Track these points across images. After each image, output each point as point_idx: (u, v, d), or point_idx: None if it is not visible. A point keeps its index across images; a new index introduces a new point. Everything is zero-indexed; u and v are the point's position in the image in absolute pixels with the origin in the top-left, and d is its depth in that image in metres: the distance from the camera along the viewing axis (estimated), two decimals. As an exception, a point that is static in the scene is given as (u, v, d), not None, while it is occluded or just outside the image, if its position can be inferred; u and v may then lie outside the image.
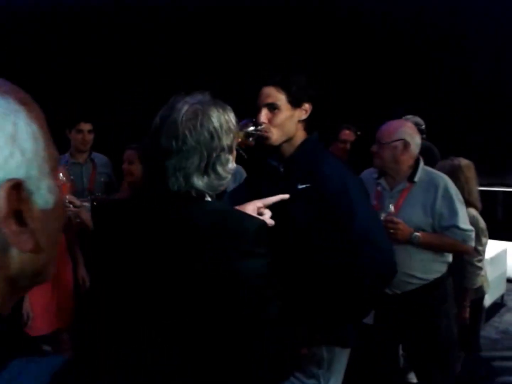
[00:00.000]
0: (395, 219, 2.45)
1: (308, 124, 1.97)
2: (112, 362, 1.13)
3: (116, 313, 1.17)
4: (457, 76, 7.29)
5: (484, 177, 6.83)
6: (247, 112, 1.95)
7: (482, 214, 3.23)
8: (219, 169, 1.21)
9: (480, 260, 3.10)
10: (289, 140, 1.93)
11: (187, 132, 1.17)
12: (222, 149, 1.21)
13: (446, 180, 2.61)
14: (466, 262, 3.05)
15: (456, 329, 2.72)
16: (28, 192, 0.57)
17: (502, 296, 5.50)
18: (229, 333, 1.13)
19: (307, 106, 1.92)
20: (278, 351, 1.25)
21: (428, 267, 2.57)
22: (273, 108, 1.87)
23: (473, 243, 2.61)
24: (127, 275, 1.17)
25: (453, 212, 2.53)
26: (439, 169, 3.25)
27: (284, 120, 1.88)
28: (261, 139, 1.90)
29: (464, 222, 2.56)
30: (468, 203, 3.07)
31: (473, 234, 2.59)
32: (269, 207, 2.01)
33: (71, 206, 2.51)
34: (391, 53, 7.34)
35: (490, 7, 6.73)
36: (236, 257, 1.13)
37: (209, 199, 1.26)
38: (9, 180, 0.55)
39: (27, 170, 0.57)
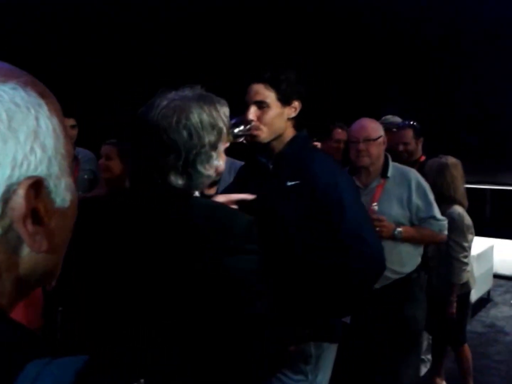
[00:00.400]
0: (380, 217, 2.52)
1: (297, 121, 1.95)
2: (106, 361, 1.14)
3: (105, 312, 1.16)
4: (450, 77, 7.36)
5: (473, 175, 6.93)
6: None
7: (470, 211, 3.30)
8: (199, 167, 1.16)
9: (466, 256, 3.18)
10: (278, 137, 1.90)
11: (162, 130, 1.13)
12: (203, 146, 1.16)
13: (415, 173, 2.70)
14: (452, 258, 3.13)
15: (424, 319, 2.82)
16: (47, 190, 0.54)
17: (488, 292, 5.62)
18: (221, 330, 1.13)
19: (296, 103, 1.89)
20: (269, 347, 1.26)
21: (406, 260, 2.65)
22: (262, 106, 1.84)
23: (446, 232, 2.72)
24: (115, 275, 1.15)
25: (429, 204, 2.63)
26: (428, 167, 3.35)
27: (274, 118, 1.85)
28: (250, 137, 1.88)
29: (438, 213, 2.66)
30: (454, 201, 3.18)
31: (446, 224, 2.71)
32: (258, 204, 2.04)
33: None
34: (384, 53, 7.39)
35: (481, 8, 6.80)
36: (225, 253, 1.12)
37: (197, 194, 1.24)
38: (29, 177, 0.52)
39: (47, 168, 0.54)
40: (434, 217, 2.63)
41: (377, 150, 2.63)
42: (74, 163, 3.49)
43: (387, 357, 2.71)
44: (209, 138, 1.17)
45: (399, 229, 2.56)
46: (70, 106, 3.82)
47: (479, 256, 5.15)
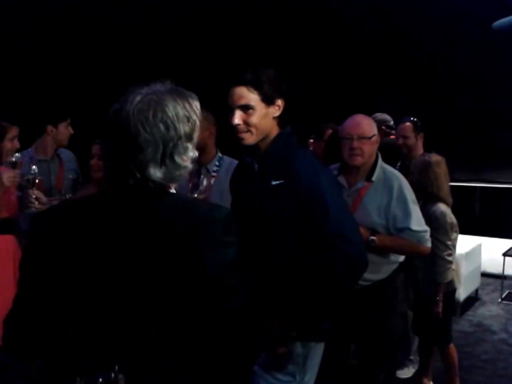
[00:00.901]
0: None
1: (281, 119, 1.95)
2: (104, 361, 1.13)
3: (96, 312, 1.16)
4: (442, 78, 7.37)
5: (463, 172, 6.94)
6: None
7: (459, 209, 3.28)
8: (177, 158, 1.19)
9: (450, 255, 3.13)
10: (264, 137, 1.91)
11: (139, 125, 1.15)
12: (179, 138, 1.19)
13: (400, 180, 2.57)
14: (437, 257, 3.08)
15: (401, 325, 2.75)
16: None
17: (476, 290, 5.60)
18: (200, 325, 1.14)
19: (279, 102, 1.90)
20: (250, 342, 1.26)
21: (378, 268, 2.53)
22: (247, 109, 1.85)
23: (429, 244, 2.57)
24: (103, 274, 1.16)
25: (407, 214, 2.50)
26: (412, 166, 3.31)
27: (260, 120, 1.86)
28: (238, 139, 1.89)
29: (417, 224, 2.51)
30: (438, 198, 3.15)
31: (427, 235, 2.56)
32: (248, 204, 1.99)
33: (36, 203, 2.35)
34: (380, 52, 7.38)
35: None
36: (205, 247, 1.13)
37: (173, 191, 1.26)
38: None
39: None
40: (410, 229, 2.49)
41: (371, 149, 2.53)
42: (58, 164, 3.54)
43: (358, 360, 2.67)
44: (184, 129, 1.20)
45: (373, 237, 2.43)
46: (68, 106, 3.75)
47: (467, 254, 5.13)
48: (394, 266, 2.64)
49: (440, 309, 3.13)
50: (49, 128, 3.48)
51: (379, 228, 2.50)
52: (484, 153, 7.44)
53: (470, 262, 5.20)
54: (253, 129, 1.87)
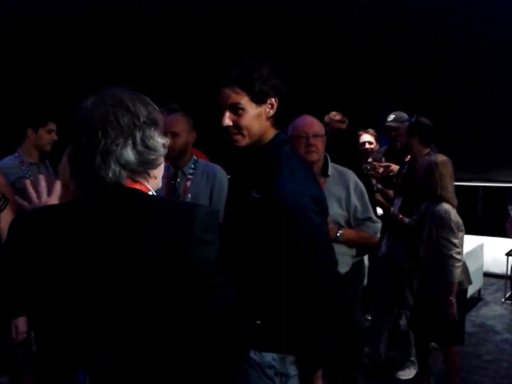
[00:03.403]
0: None
1: (277, 120, 1.80)
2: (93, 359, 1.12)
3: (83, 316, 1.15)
4: (442, 74, 7.34)
5: (466, 172, 6.89)
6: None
7: (461, 209, 3.25)
8: (148, 141, 1.20)
9: (459, 253, 3.07)
10: (258, 139, 1.79)
11: (102, 118, 1.17)
12: (144, 122, 1.20)
13: (353, 173, 2.76)
14: (445, 256, 3.03)
15: (363, 319, 2.80)
16: None
17: (479, 290, 5.56)
18: (184, 323, 1.14)
19: (272, 100, 1.75)
20: (232, 339, 1.25)
21: (342, 261, 2.49)
22: (236, 109, 1.73)
23: (379, 235, 2.79)
24: (85, 277, 1.14)
25: (366, 205, 2.69)
26: (418, 166, 3.29)
27: (251, 121, 1.74)
28: (231, 141, 1.78)
29: (374, 214, 2.71)
30: (442, 199, 3.12)
31: (380, 226, 2.78)
32: (230, 214, 1.91)
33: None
34: (376, 49, 7.36)
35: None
36: (187, 245, 1.12)
37: (152, 193, 1.25)
38: None
39: None
40: (371, 219, 2.70)
41: (323, 146, 2.68)
42: (45, 167, 3.54)
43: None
44: (147, 115, 1.21)
45: (341, 231, 2.57)
46: (54, 110, 3.77)
47: (469, 254, 5.08)
48: (354, 259, 2.76)
49: (454, 310, 3.04)
50: (29, 131, 3.51)
51: (340, 220, 2.62)
52: (486, 152, 7.39)
53: (472, 262, 5.15)
54: (244, 132, 1.75)
